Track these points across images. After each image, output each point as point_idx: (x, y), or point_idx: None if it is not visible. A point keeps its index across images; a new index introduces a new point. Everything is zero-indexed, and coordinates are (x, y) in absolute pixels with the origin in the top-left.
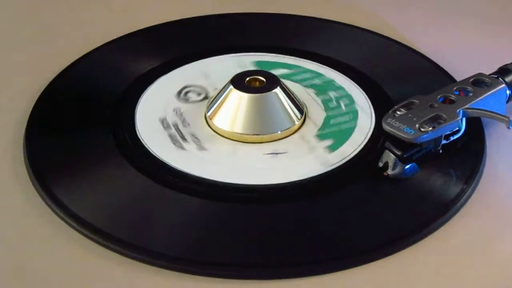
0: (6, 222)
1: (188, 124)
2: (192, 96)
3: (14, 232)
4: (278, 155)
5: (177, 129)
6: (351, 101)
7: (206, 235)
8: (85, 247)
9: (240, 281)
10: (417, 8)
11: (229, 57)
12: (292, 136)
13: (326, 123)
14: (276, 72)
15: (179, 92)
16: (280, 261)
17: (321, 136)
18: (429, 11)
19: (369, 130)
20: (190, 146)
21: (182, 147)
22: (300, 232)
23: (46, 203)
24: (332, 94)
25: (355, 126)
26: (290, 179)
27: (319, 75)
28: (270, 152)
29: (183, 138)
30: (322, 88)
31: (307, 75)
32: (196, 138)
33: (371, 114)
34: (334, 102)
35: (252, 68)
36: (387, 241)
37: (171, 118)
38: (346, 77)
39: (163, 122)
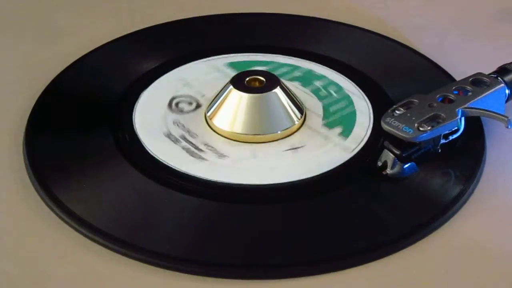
0: (6, 222)
1: (196, 135)
2: (185, 106)
3: (14, 232)
4: (298, 149)
5: (187, 141)
6: (338, 87)
7: (206, 235)
8: (85, 247)
9: (240, 281)
10: (417, 8)
11: (201, 62)
12: (301, 130)
13: (326, 111)
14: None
15: (170, 104)
16: (280, 261)
17: (329, 125)
18: (428, 10)
19: (369, 113)
20: (207, 155)
21: (201, 157)
22: (299, 232)
23: (46, 203)
24: (317, 83)
25: (355, 110)
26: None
27: (296, 67)
28: (288, 148)
29: (198, 149)
30: (305, 79)
31: (285, 69)
32: (212, 146)
33: (364, 98)
34: (324, 90)
35: (227, 70)
36: (387, 241)
37: (176, 132)
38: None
39: (170, 136)
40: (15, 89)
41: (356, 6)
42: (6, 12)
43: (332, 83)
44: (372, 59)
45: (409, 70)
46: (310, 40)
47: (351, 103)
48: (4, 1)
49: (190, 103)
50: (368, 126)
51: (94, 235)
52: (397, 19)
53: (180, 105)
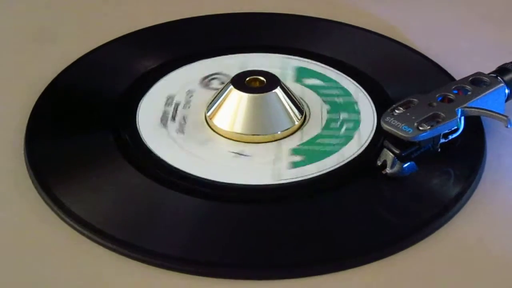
0: (6, 223)
1: (189, 107)
2: (215, 83)
3: (14, 233)
4: (242, 156)
5: (175, 109)
6: (355, 127)
7: (206, 235)
8: (85, 247)
9: (240, 281)
10: (417, 7)
11: (274, 56)
12: (273, 142)
13: (312, 140)
14: (311, 82)
15: (205, 77)
16: (279, 262)
17: (295, 151)
18: (428, 10)
19: (344, 160)
20: (172, 126)
21: (165, 126)
22: (299, 232)
23: (46, 203)
24: (342, 115)
25: (335, 151)
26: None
27: (347, 94)
28: (237, 151)
29: (172, 118)
30: (338, 107)
31: (335, 92)
32: (184, 121)
33: (365, 144)
34: (338, 123)
35: (290, 72)
36: (387, 241)
37: (179, 97)
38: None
39: (169, 98)
40: (15, 89)
41: (356, 6)
42: (6, 12)
43: (355, 121)
44: (372, 59)
45: (409, 70)
46: (309, 40)
47: (343, 144)
48: (4, 0)
49: (223, 83)
50: (319, 170)
51: (94, 235)
52: (397, 19)
53: (212, 81)
